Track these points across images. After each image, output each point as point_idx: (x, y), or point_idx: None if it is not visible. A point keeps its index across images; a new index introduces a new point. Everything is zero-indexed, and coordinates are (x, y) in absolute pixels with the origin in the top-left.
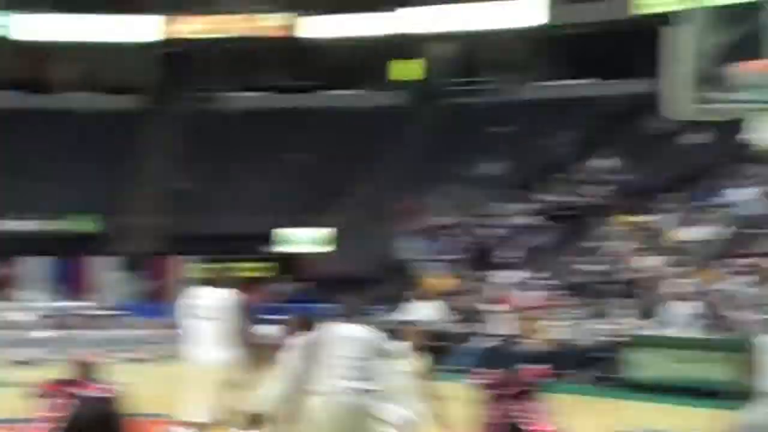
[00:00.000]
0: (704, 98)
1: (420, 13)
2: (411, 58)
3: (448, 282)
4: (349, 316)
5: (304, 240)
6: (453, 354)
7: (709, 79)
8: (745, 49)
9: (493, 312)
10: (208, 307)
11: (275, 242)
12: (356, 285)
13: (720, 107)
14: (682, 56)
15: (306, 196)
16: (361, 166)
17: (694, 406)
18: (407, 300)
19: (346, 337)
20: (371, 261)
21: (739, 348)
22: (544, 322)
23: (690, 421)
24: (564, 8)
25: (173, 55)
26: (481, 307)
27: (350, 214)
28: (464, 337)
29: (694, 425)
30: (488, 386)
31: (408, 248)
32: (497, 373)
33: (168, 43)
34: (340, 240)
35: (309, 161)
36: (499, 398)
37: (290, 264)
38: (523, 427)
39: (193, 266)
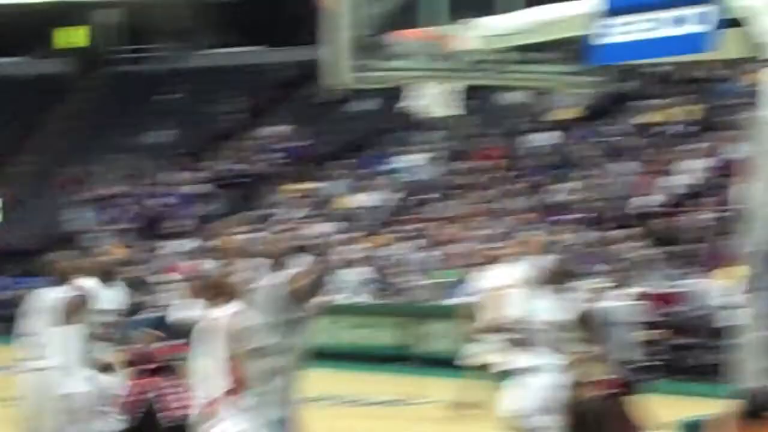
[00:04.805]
0: (364, 66)
1: None
2: (75, 24)
3: (118, 252)
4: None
5: None
6: (121, 326)
7: (368, 47)
8: (403, 17)
9: (162, 282)
10: None
11: None
12: (21, 257)
13: (380, 75)
14: (340, 23)
15: None
16: (26, 135)
17: (365, 371)
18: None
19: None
20: (38, 233)
21: (407, 313)
22: None
23: (362, 386)
24: None
25: None
26: (151, 277)
27: (15, 184)
28: (133, 309)
29: (365, 390)
30: (128, 361)
31: (76, 219)
32: (135, 348)
33: None
34: (5, 211)
35: None
36: (139, 373)
37: None
38: (158, 404)
39: None
